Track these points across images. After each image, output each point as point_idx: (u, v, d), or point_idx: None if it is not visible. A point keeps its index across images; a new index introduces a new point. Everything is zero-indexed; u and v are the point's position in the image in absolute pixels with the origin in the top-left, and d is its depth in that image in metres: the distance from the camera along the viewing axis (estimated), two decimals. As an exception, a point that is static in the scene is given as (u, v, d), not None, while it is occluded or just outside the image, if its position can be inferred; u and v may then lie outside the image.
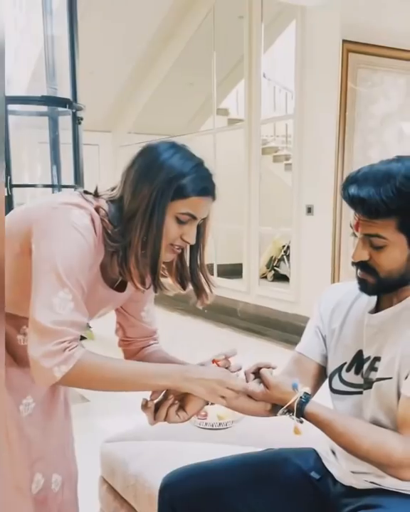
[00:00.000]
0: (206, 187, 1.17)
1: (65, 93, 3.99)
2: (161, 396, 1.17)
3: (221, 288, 5.81)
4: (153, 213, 1.13)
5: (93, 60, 5.08)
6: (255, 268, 5.13)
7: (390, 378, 1.12)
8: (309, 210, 4.28)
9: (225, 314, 5.35)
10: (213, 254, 5.82)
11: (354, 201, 1.08)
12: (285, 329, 4.66)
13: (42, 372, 1.04)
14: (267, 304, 4.91)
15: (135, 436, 1.84)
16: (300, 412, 1.12)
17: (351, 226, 1.14)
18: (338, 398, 1.25)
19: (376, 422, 1.15)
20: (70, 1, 3.91)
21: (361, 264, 1.14)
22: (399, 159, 1.13)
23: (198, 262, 1.27)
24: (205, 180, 1.18)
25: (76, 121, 3.96)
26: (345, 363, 1.24)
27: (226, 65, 6.27)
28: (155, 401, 1.15)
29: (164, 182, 1.13)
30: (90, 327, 4.01)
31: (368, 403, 1.17)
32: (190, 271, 1.27)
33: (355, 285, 1.20)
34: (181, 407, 1.16)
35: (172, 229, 1.16)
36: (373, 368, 1.17)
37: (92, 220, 1.13)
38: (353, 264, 1.16)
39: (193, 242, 1.19)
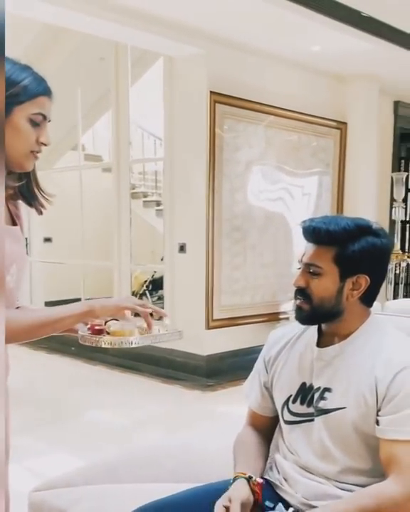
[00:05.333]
0: (46, 86, 1.22)
1: None
2: None
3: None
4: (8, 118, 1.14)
5: None
6: (126, 304, 5.18)
7: (344, 408, 1.30)
8: (182, 248, 4.49)
9: (96, 351, 5.30)
10: (81, 288, 5.80)
11: (307, 230, 1.33)
12: (159, 364, 4.77)
13: None
14: (140, 339, 4.96)
15: (66, 482, 1.81)
16: None
17: (298, 261, 1.37)
18: (289, 428, 1.41)
19: (323, 446, 1.33)
20: None
21: (299, 291, 1.35)
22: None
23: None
24: (44, 81, 1.22)
25: None
26: (291, 395, 1.41)
27: (85, 103, 6.35)
28: None
29: (8, 86, 1.12)
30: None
31: (317, 429, 1.34)
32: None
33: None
34: None
35: (29, 133, 1.19)
36: (322, 398, 1.35)
37: None
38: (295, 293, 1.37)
39: (50, 142, 1.22)
